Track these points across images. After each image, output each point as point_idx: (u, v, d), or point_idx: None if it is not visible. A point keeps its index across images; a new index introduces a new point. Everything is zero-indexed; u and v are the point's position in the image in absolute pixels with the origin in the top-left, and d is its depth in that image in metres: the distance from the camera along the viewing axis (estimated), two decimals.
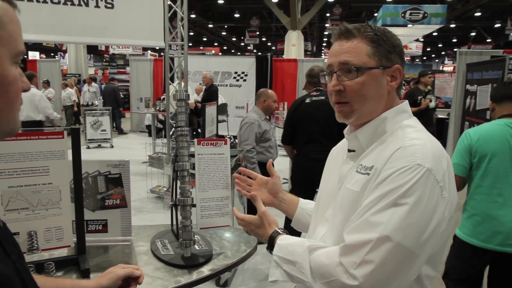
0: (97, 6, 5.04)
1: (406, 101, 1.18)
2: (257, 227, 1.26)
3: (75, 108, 12.12)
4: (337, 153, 1.32)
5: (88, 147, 9.75)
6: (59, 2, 4.86)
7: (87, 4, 4.99)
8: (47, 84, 11.06)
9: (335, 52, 1.12)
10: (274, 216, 1.27)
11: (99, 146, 9.99)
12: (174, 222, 1.77)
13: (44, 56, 26.36)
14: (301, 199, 1.48)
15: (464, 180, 2.44)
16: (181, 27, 5.57)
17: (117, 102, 12.20)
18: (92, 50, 27.17)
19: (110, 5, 5.11)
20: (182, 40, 5.66)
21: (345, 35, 1.11)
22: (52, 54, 27.58)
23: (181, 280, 1.45)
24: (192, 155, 1.60)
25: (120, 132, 12.38)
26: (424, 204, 0.93)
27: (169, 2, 5.41)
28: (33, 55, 25.43)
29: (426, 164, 0.95)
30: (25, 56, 22.78)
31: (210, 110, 3.71)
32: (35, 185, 1.41)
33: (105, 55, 31.22)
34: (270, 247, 1.18)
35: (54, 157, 1.42)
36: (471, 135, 2.42)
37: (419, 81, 7.55)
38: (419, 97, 6.87)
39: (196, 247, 1.66)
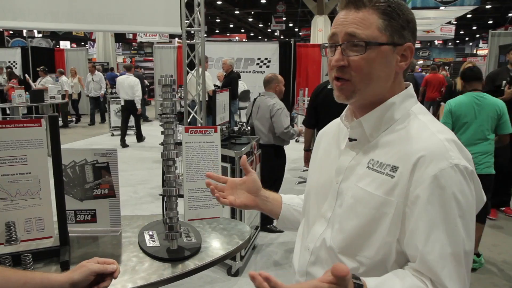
0: None
1: (411, 85, 1.07)
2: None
3: (66, 99, 11.02)
4: (330, 139, 1.18)
5: (113, 135, 9.89)
6: None
7: None
8: (43, 72, 10.89)
9: (341, 21, 0.97)
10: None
11: None
12: (164, 214, 1.71)
13: (75, 45, 26.90)
14: (282, 195, 1.35)
15: None
16: (198, 12, 5.49)
17: (142, 90, 12.29)
18: (120, 38, 27.53)
19: None
20: (199, 26, 5.58)
21: (354, 3, 0.96)
22: (82, 43, 28.11)
23: (163, 274, 1.40)
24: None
25: (145, 119, 12.49)
26: (471, 203, 0.91)
27: None
28: (64, 44, 26.01)
29: (461, 160, 0.90)
30: (57, 46, 23.37)
31: (222, 97, 3.63)
32: (13, 175, 1.37)
33: (133, 43, 31.58)
34: None
35: (32, 146, 1.38)
36: (451, 103, 3.62)
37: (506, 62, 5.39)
38: (504, 82, 4.75)
39: (184, 239, 1.60)
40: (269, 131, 4.24)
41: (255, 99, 4.51)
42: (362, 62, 0.95)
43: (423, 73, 18.98)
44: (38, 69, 11.43)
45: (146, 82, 12.86)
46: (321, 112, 3.86)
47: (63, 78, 11.29)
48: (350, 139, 1.05)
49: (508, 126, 3.50)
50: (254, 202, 1.25)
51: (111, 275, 1.21)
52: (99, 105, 12.47)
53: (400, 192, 0.91)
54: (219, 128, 1.63)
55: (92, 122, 12.25)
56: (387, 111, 1.00)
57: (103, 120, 12.59)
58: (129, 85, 8.56)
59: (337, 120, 1.20)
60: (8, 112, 10.50)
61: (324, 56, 1.05)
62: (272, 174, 4.27)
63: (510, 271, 3.59)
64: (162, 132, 1.50)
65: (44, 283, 1.08)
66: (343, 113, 1.12)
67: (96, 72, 11.95)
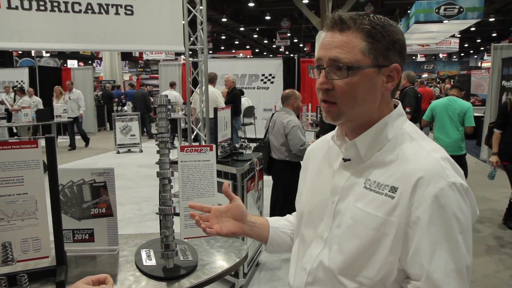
0: (117, 13, 5.12)
1: (400, 103, 1.08)
2: None
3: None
4: (319, 158, 1.18)
5: (118, 152, 9.95)
6: (80, 11, 4.97)
7: (107, 12, 5.08)
8: (21, 92, 10.60)
9: (326, 44, 0.99)
10: None
11: (129, 151, 10.18)
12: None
13: (82, 64, 27.31)
14: (268, 218, 1.33)
15: (428, 123, 5.45)
16: (201, 31, 5.57)
17: (147, 107, 12.41)
18: (127, 56, 27.93)
19: (130, 12, 5.17)
20: (202, 44, 5.65)
21: (338, 26, 0.97)
22: (89, 62, 28.52)
23: None
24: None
25: (151, 136, 12.57)
26: (468, 218, 0.93)
27: (188, 6, 5.41)
28: (72, 63, 26.43)
29: (457, 178, 0.92)
30: (64, 65, 23.72)
31: (223, 114, 3.66)
32: (10, 195, 1.38)
33: (140, 61, 31.99)
34: None
35: (28, 167, 1.40)
36: (433, 103, 5.29)
37: None
38: None
39: (181, 257, 1.60)
40: (283, 147, 4.27)
41: (272, 114, 4.58)
42: (345, 86, 0.96)
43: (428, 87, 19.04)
44: (15, 88, 11.29)
45: (152, 99, 12.97)
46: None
47: (25, 98, 10.23)
48: (344, 160, 1.05)
49: (471, 121, 4.87)
50: (241, 229, 1.22)
51: None
52: (79, 127, 11.03)
53: (401, 212, 0.92)
54: (214, 146, 1.64)
55: (72, 147, 10.78)
56: (381, 131, 1.01)
57: (86, 143, 11.24)
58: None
59: (325, 137, 1.21)
60: (14, 131, 10.65)
61: (312, 77, 1.06)
62: (288, 190, 4.27)
63: None
64: (158, 151, 1.52)
65: None
66: (334, 132, 1.13)
67: (74, 90, 10.80)
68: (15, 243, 1.41)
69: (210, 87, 7.24)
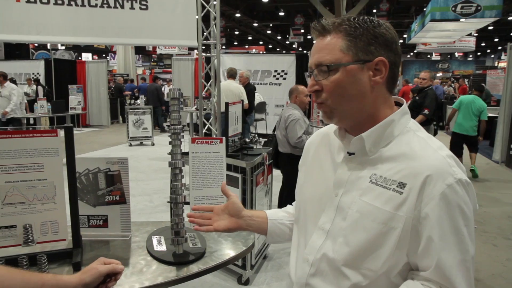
0: (132, 8, 5.21)
1: (405, 101, 1.11)
2: None
3: None
4: (320, 150, 1.22)
5: (130, 145, 10.10)
6: (96, 5, 5.07)
7: (122, 6, 5.17)
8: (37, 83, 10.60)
9: (313, 51, 1.06)
10: None
11: (141, 144, 10.32)
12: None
13: (96, 57, 27.59)
14: (267, 211, 1.38)
15: (455, 110, 7.23)
16: (214, 26, 5.64)
17: (160, 101, 12.54)
18: (140, 50, 28.13)
19: (144, 7, 5.25)
20: (215, 39, 5.72)
21: (320, 32, 1.04)
22: (103, 55, 28.81)
23: (168, 276, 1.47)
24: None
25: (162, 130, 12.71)
26: (472, 212, 0.98)
27: (202, 1, 5.48)
28: (86, 56, 26.71)
29: (461, 174, 0.97)
30: (79, 58, 24.01)
31: (234, 109, 3.72)
32: (31, 181, 1.47)
33: (153, 55, 32.20)
34: None
35: (48, 154, 1.48)
36: (461, 98, 7.40)
37: None
38: None
39: (190, 244, 1.67)
40: (285, 140, 4.37)
41: (282, 109, 4.71)
42: (331, 85, 1.02)
43: (444, 86, 18.87)
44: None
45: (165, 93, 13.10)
46: None
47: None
48: (349, 153, 1.08)
49: (485, 116, 6.98)
50: (236, 224, 1.30)
51: (116, 275, 1.30)
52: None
53: (409, 207, 0.95)
54: (224, 139, 1.71)
55: None
56: (387, 128, 1.04)
57: None
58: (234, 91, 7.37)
59: (324, 130, 1.25)
60: (31, 122, 10.86)
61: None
62: (290, 182, 4.40)
63: None
64: (170, 143, 1.59)
65: (60, 284, 1.17)
66: (335, 127, 1.16)
67: (7, 83, 8.10)
68: (35, 225, 1.50)
69: (234, 82, 7.30)
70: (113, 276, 1.29)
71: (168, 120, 1.61)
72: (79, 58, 24.25)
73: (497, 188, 6.70)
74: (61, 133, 1.52)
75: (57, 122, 12.04)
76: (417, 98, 6.31)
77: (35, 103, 8.89)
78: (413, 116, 1.19)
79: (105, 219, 1.77)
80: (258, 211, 1.37)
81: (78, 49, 26.27)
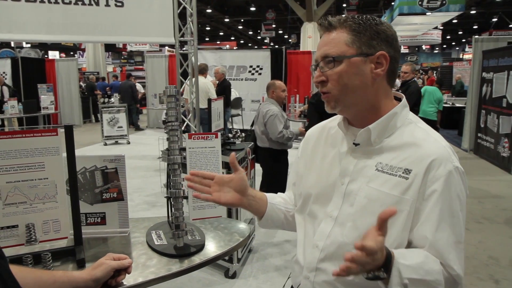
0: (107, 5, 5.15)
1: (404, 96, 1.19)
2: (380, 252, 0.91)
3: None
4: (321, 142, 1.28)
5: (106, 144, 9.95)
6: (70, 2, 4.99)
7: (97, 3, 5.11)
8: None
9: (319, 45, 1.14)
10: None
11: (116, 143, 10.19)
12: (170, 214, 1.83)
13: (64, 55, 26.91)
14: (267, 194, 1.39)
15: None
16: (191, 23, 5.63)
17: (134, 99, 12.39)
18: (110, 48, 27.62)
19: (120, 4, 5.21)
20: (192, 35, 5.72)
21: (326, 27, 1.12)
22: (71, 53, 28.12)
23: (172, 269, 1.51)
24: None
25: (137, 128, 12.57)
26: (465, 197, 1.08)
27: None
28: (53, 54, 26.01)
29: (458, 163, 1.07)
30: (46, 56, 23.34)
31: (216, 105, 3.77)
32: (32, 180, 1.48)
33: (123, 52, 31.65)
34: (386, 269, 0.94)
35: (49, 153, 1.49)
36: (425, 88, 8.28)
37: None
38: None
39: (189, 237, 1.72)
40: (264, 135, 4.44)
41: (260, 105, 4.74)
42: (335, 75, 1.10)
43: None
44: None
45: (138, 91, 12.94)
46: (325, 116, 4.00)
47: None
48: (355, 144, 1.16)
49: (442, 106, 7.90)
50: (239, 201, 1.27)
51: (125, 269, 1.34)
52: None
53: (414, 191, 1.04)
54: (219, 134, 1.75)
55: None
56: (391, 120, 1.12)
57: None
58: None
59: (322, 124, 1.34)
60: None
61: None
62: (271, 178, 4.46)
63: (494, 266, 3.76)
64: (168, 139, 1.62)
65: (71, 281, 1.19)
66: (339, 119, 1.23)
67: None
68: (37, 224, 1.51)
69: (202, 78, 7.28)
70: (122, 270, 1.33)
71: (164, 117, 1.63)
72: (46, 56, 23.60)
73: (467, 175, 6.94)
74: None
75: (28, 122, 11.73)
76: (399, 91, 6.48)
77: (5, 104, 8.65)
78: None
79: (103, 216, 1.79)
80: (259, 192, 1.37)
81: (45, 46, 25.52)
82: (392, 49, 1.10)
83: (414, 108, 6.31)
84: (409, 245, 1.07)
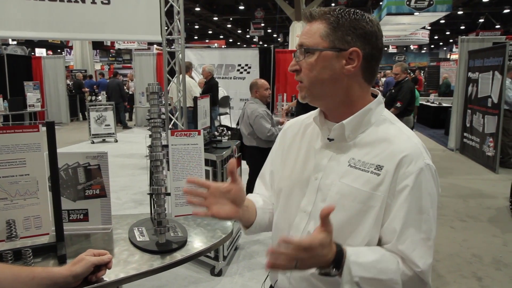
0: (93, 2, 5.11)
1: (379, 93, 1.20)
2: (323, 248, 0.95)
3: None
4: (299, 138, 1.28)
5: (93, 142, 9.89)
6: (56, 0, 4.94)
7: (83, 1, 5.06)
8: None
9: (300, 34, 1.16)
10: None
11: (104, 141, 10.13)
12: (153, 211, 1.84)
13: (51, 53, 26.62)
14: (251, 198, 1.33)
15: None
16: (178, 21, 5.62)
17: (122, 97, 12.32)
18: (98, 45, 27.37)
19: (106, 1, 5.16)
20: (179, 33, 5.70)
21: (308, 18, 1.13)
22: (58, 50, 27.82)
23: (153, 264, 1.52)
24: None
25: (125, 126, 12.50)
26: (437, 195, 1.09)
27: None
28: (40, 51, 25.71)
29: (430, 161, 1.07)
30: (32, 53, 23.06)
31: (203, 103, 3.77)
32: (13, 176, 1.48)
33: (111, 50, 31.40)
34: (337, 266, 0.97)
35: (30, 150, 1.49)
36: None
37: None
38: None
39: (172, 233, 1.73)
40: (250, 135, 4.45)
41: (245, 104, 4.74)
42: (307, 66, 1.11)
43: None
44: None
45: (126, 89, 12.87)
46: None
47: None
48: (329, 139, 1.16)
49: (418, 102, 8.43)
50: (237, 214, 1.17)
51: (106, 265, 1.35)
52: None
53: (385, 187, 1.05)
54: (202, 131, 1.77)
55: None
56: (365, 116, 1.13)
57: None
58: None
59: (300, 118, 1.34)
60: None
61: None
62: (256, 174, 4.47)
63: (477, 264, 3.82)
64: (150, 136, 1.63)
65: (50, 277, 1.20)
66: (315, 113, 1.23)
67: None
68: (18, 220, 1.51)
69: (186, 76, 7.27)
70: (102, 266, 1.34)
71: (147, 114, 1.64)
72: (33, 53, 23.32)
73: (452, 174, 7.07)
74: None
75: (13, 120, 11.59)
76: (393, 91, 6.59)
77: None
78: (388, 109, 1.30)
79: (86, 213, 1.79)
80: (247, 198, 1.28)
81: (31, 44, 25.21)
82: (369, 46, 1.09)
83: (408, 108, 6.40)
84: (380, 241, 1.09)
